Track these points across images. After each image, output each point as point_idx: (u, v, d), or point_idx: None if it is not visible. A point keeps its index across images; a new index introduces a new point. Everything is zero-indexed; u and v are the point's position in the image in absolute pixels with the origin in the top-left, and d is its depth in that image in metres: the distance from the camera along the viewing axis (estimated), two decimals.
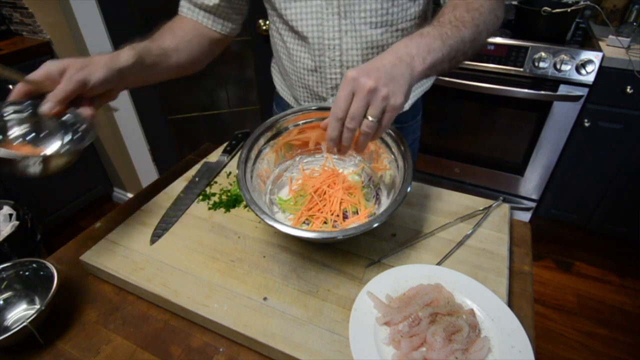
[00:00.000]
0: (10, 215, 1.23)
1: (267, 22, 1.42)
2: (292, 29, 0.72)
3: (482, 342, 0.45)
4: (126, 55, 0.59)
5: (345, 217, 0.64)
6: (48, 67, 0.52)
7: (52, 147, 0.57)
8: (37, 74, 0.51)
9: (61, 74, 0.52)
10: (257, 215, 0.54)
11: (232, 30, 0.79)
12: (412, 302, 0.50)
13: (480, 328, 0.48)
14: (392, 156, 0.64)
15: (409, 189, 0.56)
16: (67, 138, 0.56)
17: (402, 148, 0.61)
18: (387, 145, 0.65)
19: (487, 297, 0.51)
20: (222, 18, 0.76)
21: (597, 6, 1.56)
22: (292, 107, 0.87)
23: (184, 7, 0.75)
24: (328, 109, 0.68)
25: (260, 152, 0.66)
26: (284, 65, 0.81)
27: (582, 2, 1.50)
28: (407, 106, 0.83)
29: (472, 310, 0.49)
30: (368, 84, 0.45)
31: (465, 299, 0.51)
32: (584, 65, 1.34)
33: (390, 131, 0.63)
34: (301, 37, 0.71)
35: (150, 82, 0.68)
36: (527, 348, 0.45)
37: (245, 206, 0.72)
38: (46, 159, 0.50)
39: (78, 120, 0.55)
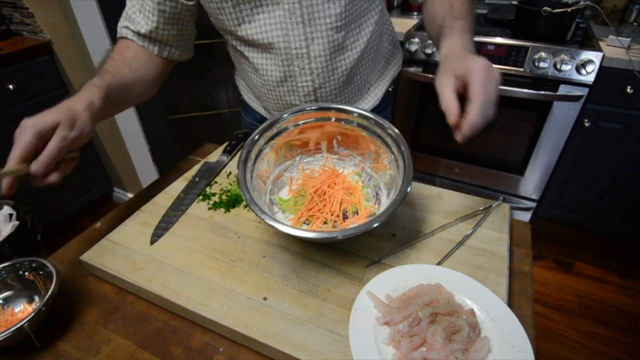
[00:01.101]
0: (10, 215, 1.23)
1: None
2: (256, 44, 0.71)
3: (482, 342, 0.45)
4: (97, 98, 0.57)
5: (345, 218, 0.64)
6: (25, 140, 0.46)
7: None
8: (15, 156, 0.46)
9: (42, 135, 0.48)
10: (257, 215, 0.54)
11: (180, 55, 0.77)
12: (412, 302, 0.50)
13: (480, 328, 0.48)
14: (392, 156, 0.64)
15: (409, 189, 0.56)
16: None
17: (402, 148, 0.61)
18: (387, 145, 0.65)
19: (487, 297, 0.51)
20: (167, 45, 0.74)
21: (597, 6, 1.56)
22: (262, 116, 0.88)
23: (128, 33, 0.71)
24: (328, 109, 0.69)
25: (260, 152, 0.66)
26: (250, 79, 0.80)
27: (582, 2, 1.50)
28: (378, 99, 0.85)
29: (472, 310, 0.49)
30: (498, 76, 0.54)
31: (465, 299, 0.51)
32: (584, 65, 1.34)
33: (390, 131, 0.63)
34: (267, 49, 0.70)
35: (105, 118, 0.64)
36: (527, 348, 0.45)
37: (245, 206, 0.72)
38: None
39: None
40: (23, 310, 0.57)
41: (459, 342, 0.45)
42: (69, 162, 0.54)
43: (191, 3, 0.70)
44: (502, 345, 0.46)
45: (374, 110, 0.85)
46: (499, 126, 1.63)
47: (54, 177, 0.51)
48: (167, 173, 0.86)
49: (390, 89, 0.90)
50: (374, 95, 0.85)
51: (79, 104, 0.54)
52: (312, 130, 0.71)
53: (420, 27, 1.62)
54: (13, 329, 0.47)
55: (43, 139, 0.49)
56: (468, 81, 0.52)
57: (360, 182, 0.70)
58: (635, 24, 1.47)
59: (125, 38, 0.72)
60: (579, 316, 1.52)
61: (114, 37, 1.56)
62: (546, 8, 1.36)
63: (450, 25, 0.63)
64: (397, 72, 0.90)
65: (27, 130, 0.48)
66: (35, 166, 0.48)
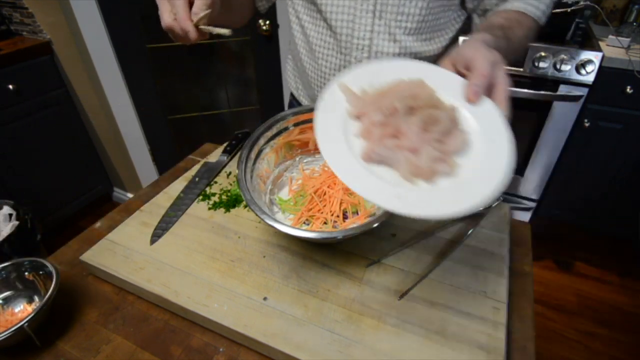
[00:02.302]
0: (10, 215, 1.24)
1: (267, 22, 1.39)
2: (323, 20, 0.68)
3: (460, 135, 0.42)
4: None
5: (345, 218, 0.64)
6: None
7: None
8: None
9: None
10: (257, 215, 0.54)
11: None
12: (389, 95, 0.44)
13: (462, 124, 0.44)
14: None
15: None
16: None
17: None
18: None
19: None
20: None
21: (597, 6, 1.56)
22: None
23: None
24: None
25: (260, 152, 0.66)
26: (302, 62, 0.78)
27: (582, 2, 1.50)
28: None
29: (454, 106, 0.45)
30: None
31: (450, 97, 0.46)
32: (583, 65, 1.34)
33: None
34: (331, 31, 0.68)
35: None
36: (506, 141, 0.42)
37: (245, 206, 0.72)
38: None
39: None
40: (23, 310, 0.57)
41: (435, 132, 0.41)
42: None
43: None
44: (483, 140, 0.43)
45: None
46: None
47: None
48: (167, 173, 0.86)
49: None
50: None
51: None
52: (312, 130, 0.70)
53: None
54: (13, 329, 0.47)
55: None
56: (470, 66, 0.47)
57: None
58: (635, 24, 1.47)
59: None
60: (579, 316, 1.52)
61: (114, 37, 1.57)
62: None
63: (488, 26, 0.58)
64: None
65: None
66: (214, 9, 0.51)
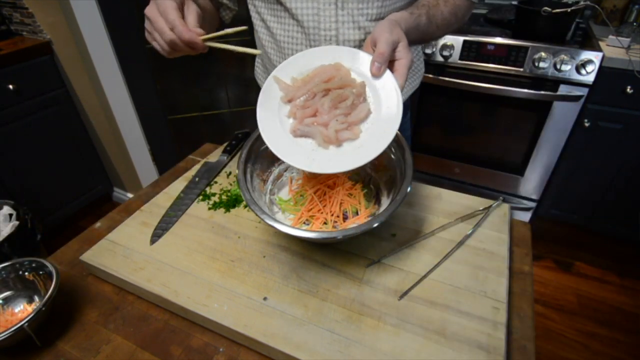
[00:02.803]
0: (10, 215, 1.24)
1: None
2: (291, 17, 0.71)
3: (363, 107, 0.54)
4: None
5: (345, 218, 0.64)
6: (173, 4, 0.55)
7: None
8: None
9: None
10: (257, 215, 0.54)
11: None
12: (312, 81, 0.56)
13: (367, 97, 0.55)
14: (392, 156, 0.64)
15: (409, 189, 0.56)
16: None
17: (402, 148, 0.61)
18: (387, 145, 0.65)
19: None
20: (220, 4, 0.79)
21: (597, 6, 1.56)
22: None
23: None
24: None
25: (260, 152, 0.66)
26: (271, 61, 0.80)
27: (582, 2, 1.50)
28: None
29: (363, 82, 0.55)
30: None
31: (363, 73, 0.56)
32: (584, 65, 1.34)
33: None
34: (299, 26, 0.71)
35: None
36: (396, 107, 0.53)
37: (245, 206, 0.72)
38: None
39: None
40: (23, 310, 0.57)
41: (342, 108, 0.54)
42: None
43: None
44: (380, 108, 0.54)
45: None
46: (499, 126, 1.63)
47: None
48: (167, 173, 0.86)
49: (409, 99, 0.88)
50: None
51: None
52: None
53: None
54: (13, 329, 0.47)
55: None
56: (395, 60, 0.55)
57: (360, 183, 0.70)
58: (635, 24, 1.47)
59: None
60: (579, 316, 1.52)
61: (114, 37, 1.57)
62: (546, 8, 1.36)
63: (413, 4, 0.65)
64: (419, 84, 0.89)
65: (171, 7, 0.55)
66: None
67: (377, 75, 0.55)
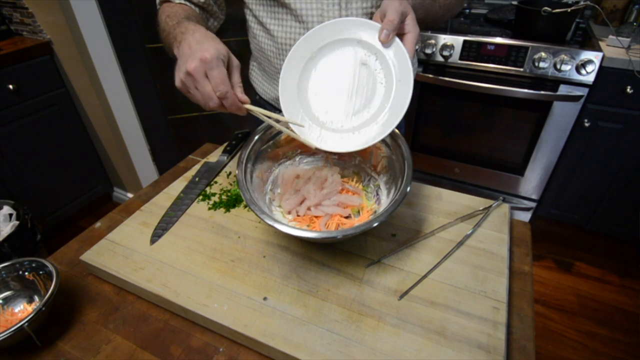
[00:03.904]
0: (10, 215, 1.24)
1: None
2: (294, 19, 0.70)
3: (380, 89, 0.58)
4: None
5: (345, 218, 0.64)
6: (220, 63, 0.54)
7: None
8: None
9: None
10: (257, 215, 0.54)
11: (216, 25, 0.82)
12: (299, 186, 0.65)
13: (376, 75, 0.58)
14: (392, 156, 0.64)
15: (408, 189, 0.56)
16: None
17: (402, 148, 0.61)
18: (387, 145, 0.65)
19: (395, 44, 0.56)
20: (210, 14, 0.79)
21: (597, 6, 1.56)
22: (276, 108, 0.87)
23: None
24: None
25: (260, 152, 0.66)
26: (272, 65, 0.80)
27: (582, 2, 1.50)
28: None
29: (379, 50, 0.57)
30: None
31: (374, 41, 0.56)
32: (584, 65, 1.34)
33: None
34: (303, 28, 0.70)
35: None
36: (410, 78, 0.55)
37: (245, 206, 0.72)
38: None
39: None
40: (23, 310, 0.57)
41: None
42: None
43: None
44: (391, 79, 0.56)
45: None
46: (499, 126, 1.63)
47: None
48: (167, 173, 0.86)
49: None
50: None
51: (204, 34, 0.59)
52: None
53: None
54: (13, 329, 0.47)
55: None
56: (404, 30, 0.56)
57: (360, 183, 0.70)
58: (635, 24, 1.47)
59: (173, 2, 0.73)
60: (579, 316, 1.52)
61: (114, 37, 1.57)
62: (546, 8, 1.36)
63: None
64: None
65: (223, 77, 0.54)
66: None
67: (385, 41, 0.55)
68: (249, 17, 0.79)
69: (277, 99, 0.85)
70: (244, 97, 0.56)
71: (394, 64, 0.56)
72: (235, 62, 0.57)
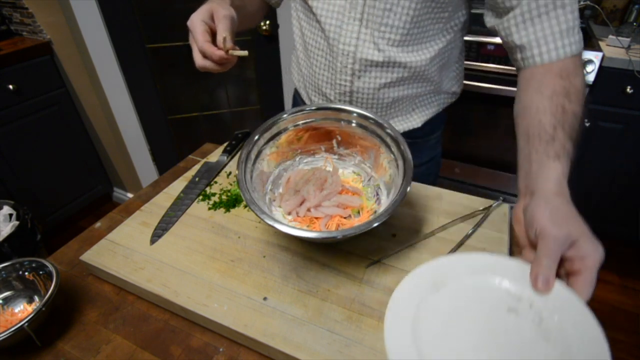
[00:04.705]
0: (10, 215, 1.24)
1: (267, 23, 1.41)
2: (317, 22, 0.70)
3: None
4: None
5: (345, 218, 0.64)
6: (202, 25, 0.57)
7: None
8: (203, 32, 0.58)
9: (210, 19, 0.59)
10: (257, 215, 0.54)
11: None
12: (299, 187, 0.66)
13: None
14: (392, 156, 0.64)
15: (408, 189, 0.56)
16: None
17: (402, 148, 0.61)
18: (387, 145, 0.65)
19: None
20: None
21: (597, 6, 1.56)
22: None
23: None
24: (327, 108, 0.69)
25: (260, 152, 0.66)
26: (298, 59, 0.81)
27: (582, 2, 1.50)
28: (418, 123, 0.80)
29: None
30: None
31: (523, 287, 0.42)
32: (583, 65, 1.34)
33: (390, 131, 0.63)
34: (324, 34, 0.70)
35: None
36: (597, 340, 0.38)
37: (245, 206, 0.72)
38: None
39: None
40: (23, 310, 0.57)
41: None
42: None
43: None
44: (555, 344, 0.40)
45: (415, 132, 0.80)
46: (499, 126, 1.63)
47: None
48: (167, 173, 0.86)
49: (440, 114, 0.83)
50: (417, 118, 0.79)
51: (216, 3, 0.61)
52: (312, 130, 0.71)
53: None
54: (13, 329, 0.47)
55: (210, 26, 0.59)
56: (575, 260, 0.42)
57: (360, 183, 0.70)
58: (635, 24, 1.47)
59: None
60: None
61: (114, 37, 1.57)
62: None
63: (559, 146, 0.48)
64: (449, 104, 0.84)
65: (199, 22, 0.58)
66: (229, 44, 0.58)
67: (543, 289, 0.40)
68: (292, 13, 0.80)
69: (306, 94, 0.86)
70: (219, 45, 0.57)
71: (559, 323, 0.39)
72: (220, 13, 0.58)
